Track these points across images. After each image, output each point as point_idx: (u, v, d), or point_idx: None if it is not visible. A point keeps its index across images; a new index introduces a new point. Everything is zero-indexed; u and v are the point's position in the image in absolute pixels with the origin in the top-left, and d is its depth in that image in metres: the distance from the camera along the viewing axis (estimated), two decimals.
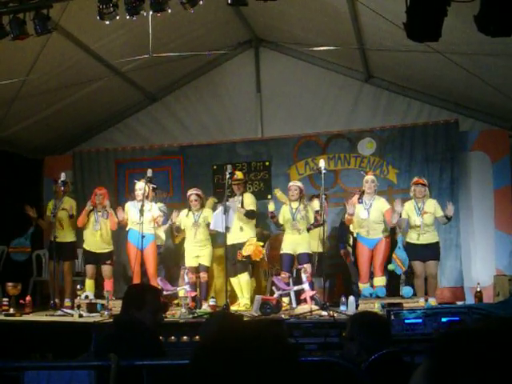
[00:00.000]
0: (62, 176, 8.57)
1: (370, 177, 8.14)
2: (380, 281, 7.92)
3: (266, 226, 9.21)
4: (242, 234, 8.32)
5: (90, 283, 8.63)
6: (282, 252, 8.25)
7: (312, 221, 8.18)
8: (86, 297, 8.27)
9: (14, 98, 8.37)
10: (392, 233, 8.26)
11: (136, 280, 8.28)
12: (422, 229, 7.84)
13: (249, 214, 8.33)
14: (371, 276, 8.09)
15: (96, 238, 8.67)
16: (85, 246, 8.79)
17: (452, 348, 0.97)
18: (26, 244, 8.76)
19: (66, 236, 8.93)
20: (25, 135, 9.84)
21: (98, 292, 8.60)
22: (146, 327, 3.48)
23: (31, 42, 6.65)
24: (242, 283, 8.30)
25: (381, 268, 7.99)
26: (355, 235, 8.23)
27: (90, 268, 8.70)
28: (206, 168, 9.99)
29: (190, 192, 8.60)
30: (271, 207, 8.31)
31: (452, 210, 7.80)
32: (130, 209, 8.59)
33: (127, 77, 9.54)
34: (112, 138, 10.84)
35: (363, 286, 7.98)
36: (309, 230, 8.22)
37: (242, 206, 8.35)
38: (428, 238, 7.90)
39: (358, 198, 8.07)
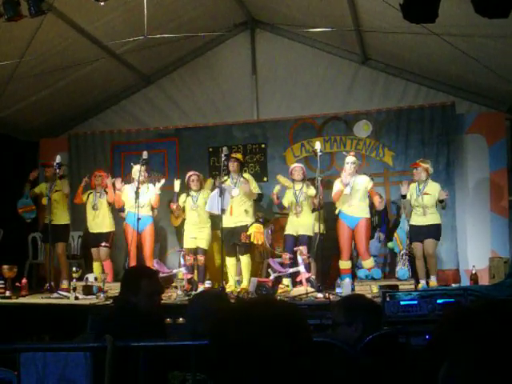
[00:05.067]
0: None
1: (350, 158, 8.09)
2: (369, 263, 8.02)
3: (261, 207, 9.18)
4: (240, 216, 8.31)
5: (96, 265, 8.72)
6: (285, 233, 8.36)
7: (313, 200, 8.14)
8: (96, 279, 8.33)
9: (8, 80, 8.30)
10: (396, 214, 8.48)
11: (132, 262, 8.31)
12: (422, 210, 7.91)
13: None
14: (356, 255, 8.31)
15: (96, 220, 8.75)
16: (89, 229, 8.90)
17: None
18: (30, 202, 8.80)
19: (61, 218, 8.94)
20: (20, 117, 9.79)
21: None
22: (141, 312, 3.48)
23: (25, 24, 6.58)
24: (243, 265, 8.32)
25: (366, 251, 8.05)
26: (337, 212, 8.20)
27: (94, 251, 8.80)
28: (202, 150, 9.98)
29: (189, 174, 8.60)
30: (276, 189, 8.33)
31: (443, 194, 7.81)
32: (128, 191, 8.57)
33: (122, 58, 9.47)
34: (107, 120, 10.80)
35: (344, 264, 8.06)
36: (313, 211, 8.16)
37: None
38: (429, 219, 7.93)
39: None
